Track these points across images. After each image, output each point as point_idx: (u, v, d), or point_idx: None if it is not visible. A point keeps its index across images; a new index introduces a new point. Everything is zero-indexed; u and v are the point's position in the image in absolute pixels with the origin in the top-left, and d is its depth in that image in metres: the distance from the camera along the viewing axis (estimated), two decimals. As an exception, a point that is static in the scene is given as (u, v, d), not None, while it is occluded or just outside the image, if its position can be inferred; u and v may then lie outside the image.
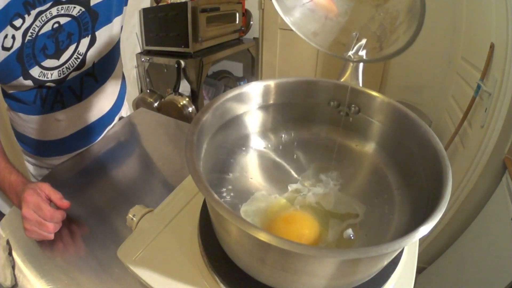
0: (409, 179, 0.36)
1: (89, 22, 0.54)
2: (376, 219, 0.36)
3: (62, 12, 0.49)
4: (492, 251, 0.93)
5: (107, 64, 0.64)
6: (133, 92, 2.01)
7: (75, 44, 0.54)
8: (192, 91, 1.92)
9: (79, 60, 0.56)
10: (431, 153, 0.32)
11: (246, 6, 2.26)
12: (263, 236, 0.21)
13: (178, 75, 1.82)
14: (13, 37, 0.46)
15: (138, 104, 1.78)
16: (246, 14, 2.28)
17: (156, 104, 1.74)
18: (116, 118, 0.75)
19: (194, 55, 1.81)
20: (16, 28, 0.45)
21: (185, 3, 1.68)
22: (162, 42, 1.83)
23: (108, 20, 0.58)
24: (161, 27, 1.82)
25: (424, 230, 0.23)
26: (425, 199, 0.31)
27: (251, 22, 2.34)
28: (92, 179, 0.60)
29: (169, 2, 1.95)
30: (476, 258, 1.00)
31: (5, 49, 0.46)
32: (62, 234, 0.49)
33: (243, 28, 2.24)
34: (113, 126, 0.74)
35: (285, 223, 0.35)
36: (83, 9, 0.52)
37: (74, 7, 0.51)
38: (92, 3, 0.53)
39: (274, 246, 0.21)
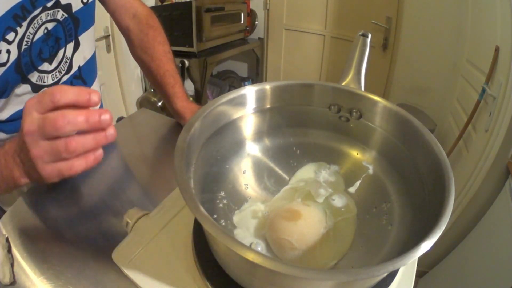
0: (410, 190, 0.35)
1: (72, 28, 0.55)
2: (373, 229, 0.35)
3: (49, 18, 0.50)
4: (495, 256, 0.92)
5: (91, 67, 0.65)
6: (136, 91, 2.01)
7: (63, 49, 0.55)
8: (196, 90, 1.92)
9: (67, 64, 0.57)
10: (434, 164, 0.30)
11: (251, 6, 2.26)
12: (249, 256, 0.20)
13: (182, 75, 1.82)
14: (8, 51, 0.45)
15: (142, 103, 1.78)
16: (251, 14, 2.28)
17: (159, 104, 1.75)
18: None
19: (198, 55, 1.81)
20: (10, 42, 0.44)
21: (190, 2, 1.68)
22: (166, 41, 1.84)
23: (88, 26, 0.60)
24: (165, 26, 1.79)
25: (424, 247, 0.22)
26: (425, 211, 0.30)
27: (256, 22, 2.34)
28: (89, 180, 0.60)
29: (173, 1, 1.95)
30: (478, 263, 0.99)
31: (1, 65, 0.45)
32: (61, 233, 0.49)
33: (248, 28, 2.24)
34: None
35: (288, 214, 0.34)
36: (65, 15, 0.53)
37: (58, 11, 0.51)
38: (73, 10, 0.54)
39: (259, 265, 0.20)
